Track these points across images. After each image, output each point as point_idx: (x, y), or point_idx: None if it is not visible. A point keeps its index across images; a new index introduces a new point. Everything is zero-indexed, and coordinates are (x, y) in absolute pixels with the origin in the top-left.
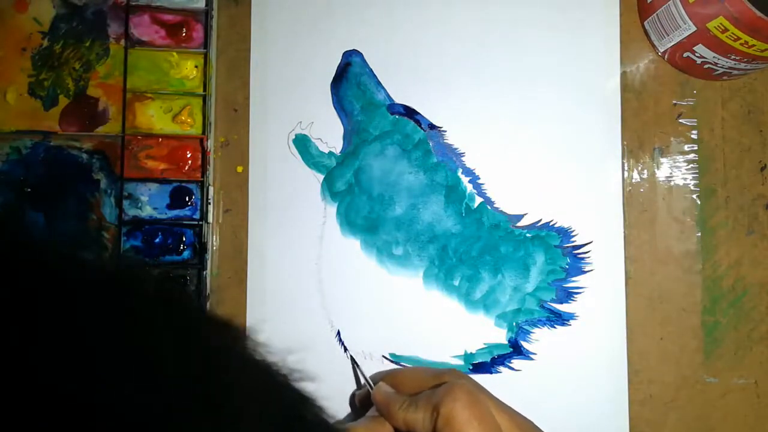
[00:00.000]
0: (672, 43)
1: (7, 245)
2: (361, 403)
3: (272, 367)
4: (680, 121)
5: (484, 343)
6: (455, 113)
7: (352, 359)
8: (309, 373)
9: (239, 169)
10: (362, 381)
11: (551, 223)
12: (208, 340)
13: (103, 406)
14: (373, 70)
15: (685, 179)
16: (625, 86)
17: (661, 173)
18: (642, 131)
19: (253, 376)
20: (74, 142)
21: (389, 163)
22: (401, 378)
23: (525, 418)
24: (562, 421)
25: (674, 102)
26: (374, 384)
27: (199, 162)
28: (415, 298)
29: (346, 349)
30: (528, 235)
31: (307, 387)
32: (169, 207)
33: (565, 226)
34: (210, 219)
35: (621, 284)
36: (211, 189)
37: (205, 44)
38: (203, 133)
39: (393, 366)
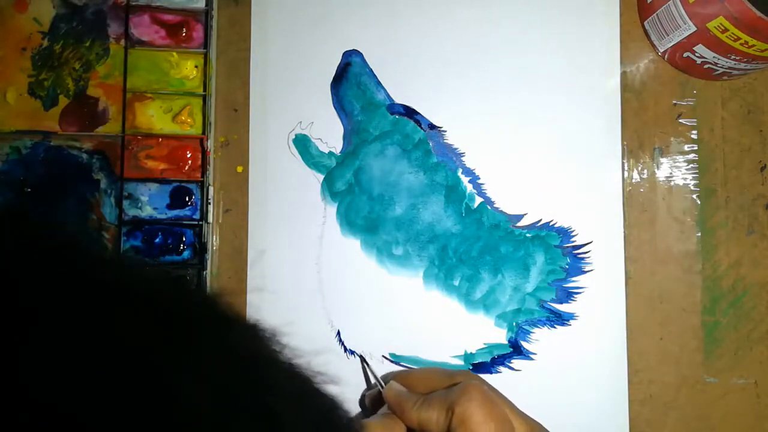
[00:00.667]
0: (672, 43)
1: (10, 245)
2: (372, 402)
3: (302, 370)
4: (680, 121)
5: (484, 343)
6: (455, 113)
7: (362, 359)
8: (332, 377)
9: (239, 169)
10: (372, 381)
11: (551, 223)
12: (241, 345)
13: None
14: (373, 70)
15: (685, 179)
16: (625, 86)
17: (661, 173)
18: (642, 131)
19: (287, 380)
20: (74, 142)
21: (389, 163)
22: (412, 378)
23: (538, 422)
24: (562, 421)
25: (674, 102)
26: (385, 383)
27: (199, 162)
28: (415, 298)
29: (351, 352)
30: (528, 235)
31: (331, 389)
32: (169, 207)
33: (565, 226)
34: (210, 219)
35: (621, 284)
36: (211, 189)
37: (205, 44)
38: (203, 133)
39: (393, 366)
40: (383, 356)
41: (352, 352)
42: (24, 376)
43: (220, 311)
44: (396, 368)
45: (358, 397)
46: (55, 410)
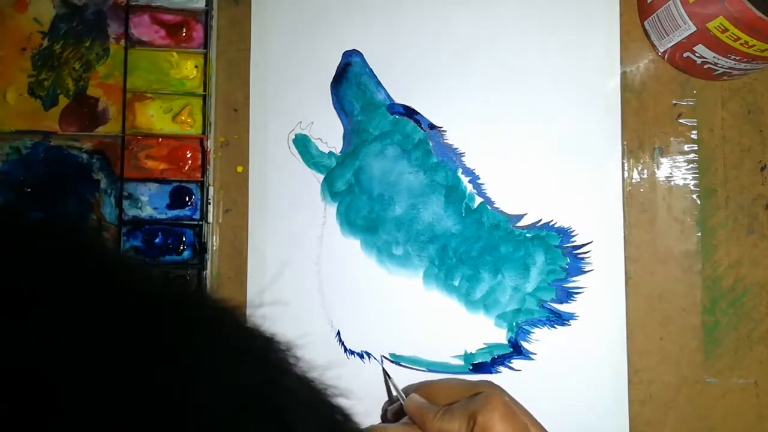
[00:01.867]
0: (672, 43)
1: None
2: (395, 416)
3: (315, 382)
4: (680, 121)
5: (484, 343)
6: (455, 113)
7: (385, 372)
8: (343, 390)
9: (239, 169)
10: (394, 393)
11: (551, 223)
12: (258, 353)
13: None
14: (373, 70)
15: (685, 179)
16: (625, 86)
17: (661, 173)
18: (642, 131)
19: (302, 391)
20: (74, 142)
21: (389, 163)
22: (434, 389)
23: None
24: (562, 421)
25: (674, 102)
26: (406, 396)
27: (199, 162)
28: (415, 298)
29: (351, 351)
30: (528, 235)
31: (342, 402)
32: (169, 207)
33: (565, 226)
34: (210, 219)
35: (621, 284)
36: (211, 189)
37: (205, 44)
38: (203, 133)
39: (393, 366)
40: (383, 356)
41: (353, 352)
42: (27, 375)
43: (238, 321)
44: (396, 368)
45: (357, 399)
46: (60, 409)
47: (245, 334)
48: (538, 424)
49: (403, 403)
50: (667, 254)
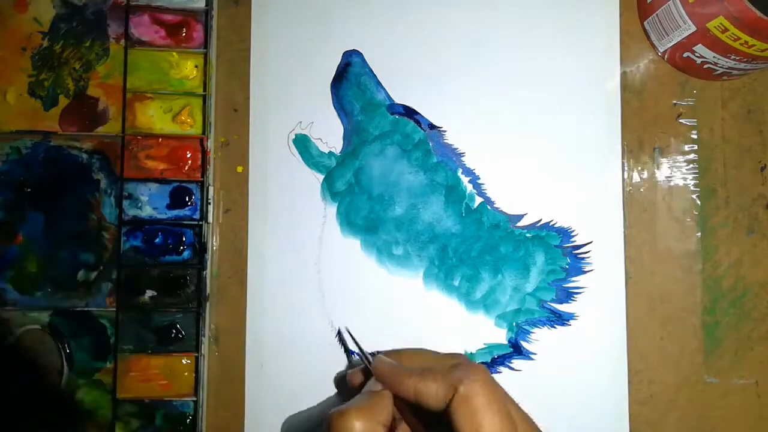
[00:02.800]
0: (672, 43)
1: None
2: (357, 380)
3: None
4: (680, 121)
5: (484, 343)
6: (455, 113)
7: (348, 331)
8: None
9: (239, 169)
10: (355, 357)
11: (551, 223)
12: None
13: None
14: (373, 70)
15: (685, 179)
16: (625, 86)
17: (661, 173)
18: (642, 131)
19: None
20: (74, 142)
21: (389, 163)
22: (405, 357)
23: (533, 421)
24: (562, 421)
25: (674, 102)
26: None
27: (199, 162)
28: (415, 298)
29: (351, 352)
30: (528, 235)
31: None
32: (169, 207)
33: (565, 226)
34: (210, 219)
35: (621, 284)
36: (211, 189)
37: (205, 44)
38: (203, 133)
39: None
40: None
41: (352, 352)
42: None
43: None
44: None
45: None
46: None
47: None
48: (516, 404)
49: (369, 365)
50: (667, 254)
